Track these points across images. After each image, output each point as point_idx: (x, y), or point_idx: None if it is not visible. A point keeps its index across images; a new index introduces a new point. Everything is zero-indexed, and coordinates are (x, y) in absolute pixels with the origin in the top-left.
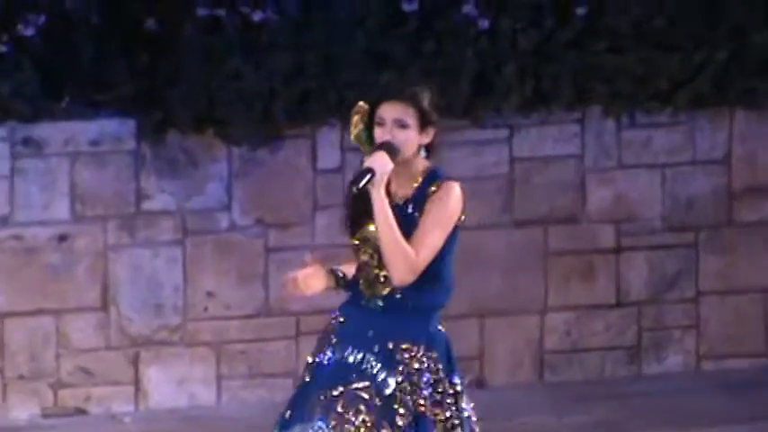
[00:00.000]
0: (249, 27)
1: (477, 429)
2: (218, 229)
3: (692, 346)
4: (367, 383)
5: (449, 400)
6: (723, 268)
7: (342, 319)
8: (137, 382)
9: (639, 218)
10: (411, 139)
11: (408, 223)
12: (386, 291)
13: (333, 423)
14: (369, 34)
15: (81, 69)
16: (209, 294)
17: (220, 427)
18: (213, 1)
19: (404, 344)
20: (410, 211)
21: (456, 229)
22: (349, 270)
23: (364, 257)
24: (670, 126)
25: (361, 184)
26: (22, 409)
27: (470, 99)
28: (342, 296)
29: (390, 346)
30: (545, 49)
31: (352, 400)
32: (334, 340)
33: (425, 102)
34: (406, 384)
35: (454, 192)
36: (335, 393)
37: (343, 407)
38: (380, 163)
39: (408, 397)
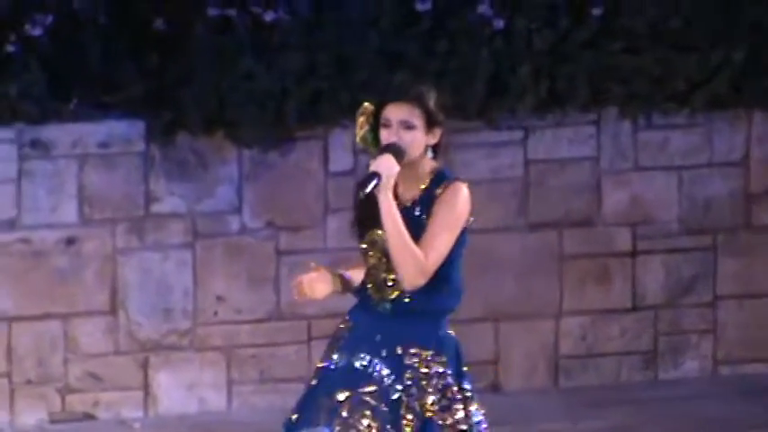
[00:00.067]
0: (260, 27)
1: None
2: (228, 232)
3: (710, 351)
4: (374, 388)
5: (457, 406)
6: (741, 272)
7: (350, 324)
8: (146, 388)
9: (656, 221)
10: (418, 140)
11: (416, 225)
12: (394, 295)
13: (338, 429)
14: (382, 34)
15: (89, 70)
16: (220, 298)
17: None
18: (224, 1)
19: (412, 348)
20: (417, 213)
21: (464, 231)
22: (357, 274)
23: (372, 261)
24: (687, 127)
25: (368, 189)
26: (30, 415)
27: (484, 100)
28: (354, 300)
29: (399, 350)
30: (560, 50)
31: (358, 405)
32: (342, 345)
33: (431, 102)
34: (413, 389)
35: (462, 193)
36: (341, 398)
37: (348, 412)
38: (386, 166)
39: (416, 402)
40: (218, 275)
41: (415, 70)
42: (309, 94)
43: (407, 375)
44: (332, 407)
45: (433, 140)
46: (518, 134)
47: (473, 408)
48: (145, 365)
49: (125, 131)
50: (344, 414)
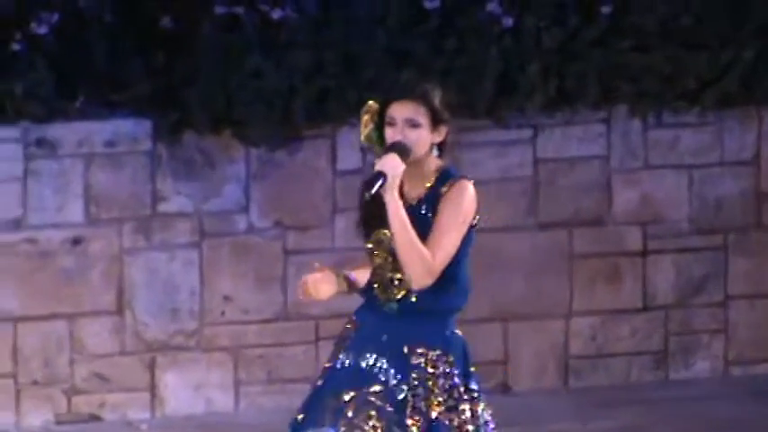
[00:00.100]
0: (268, 25)
1: None
2: (235, 232)
3: (721, 351)
4: (379, 388)
5: (464, 406)
6: (752, 271)
7: (356, 324)
8: (152, 388)
9: (666, 220)
10: (423, 138)
11: (422, 224)
12: (401, 294)
13: (343, 429)
14: (389, 32)
15: (95, 68)
16: (227, 298)
17: None
18: None
19: (419, 348)
20: (423, 211)
21: (471, 229)
22: (363, 275)
23: (378, 261)
24: (697, 126)
25: (374, 190)
26: (36, 416)
27: (493, 99)
28: (361, 300)
29: (405, 350)
30: (570, 48)
31: (363, 405)
32: (349, 345)
33: (436, 100)
34: (420, 389)
35: (467, 191)
36: (346, 398)
37: (353, 412)
38: (392, 165)
39: (422, 402)
40: (226, 275)
41: (423, 68)
42: (317, 93)
43: (414, 375)
44: (337, 407)
45: (438, 138)
46: (527, 133)
47: (480, 408)
48: (151, 366)
49: (131, 130)
50: (350, 414)
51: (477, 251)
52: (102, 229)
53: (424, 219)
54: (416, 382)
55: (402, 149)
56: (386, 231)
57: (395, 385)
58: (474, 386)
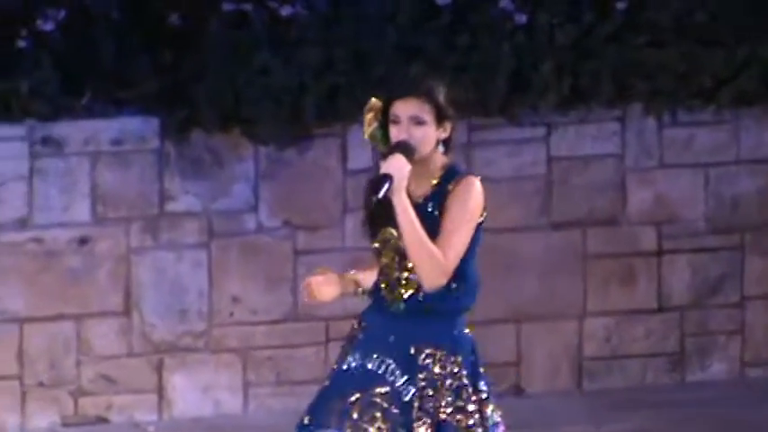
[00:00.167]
0: (277, 22)
1: None
2: (244, 232)
3: (737, 353)
4: (386, 389)
5: (472, 407)
6: None
7: (364, 325)
8: (160, 390)
9: (682, 219)
10: (429, 135)
11: (429, 222)
12: (408, 293)
13: (348, 431)
14: (400, 28)
15: (102, 66)
16: (236, 299)
17: None
18: None
19: (427, 348)
20: (430, 209)
21: (479, 227)
22: (370, 276)
23: (385, 260)
24: (713, 124)
25: (381, 194)
26: (42, 418)
27: (506, 96)
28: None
29: (412, 350)
30: (584, 45)
31: (368, 406)
32: (356, 346)
33: (441, 96)
34: (428, 390)
35: (474, 187)
36: (352, 400)
37: (359, 414)
38: (397, 166)
39: (430, 404)
40: (234, 276)
41: (435, 66)
42: (327, 90)
43: (421, 376)
44: (343, 408)
45: (443, 135)
46: (541, 131)
47: (489, 409)
48: (159, 367)
49: (139, 128)
50: (355, 416)
51: (490, 251)
52: (109, 228)
53: (430, 216)
54: (424, 383)
55: (407, 149)
56: (392, 230)
57: (401, 386)
58: (483, 387)
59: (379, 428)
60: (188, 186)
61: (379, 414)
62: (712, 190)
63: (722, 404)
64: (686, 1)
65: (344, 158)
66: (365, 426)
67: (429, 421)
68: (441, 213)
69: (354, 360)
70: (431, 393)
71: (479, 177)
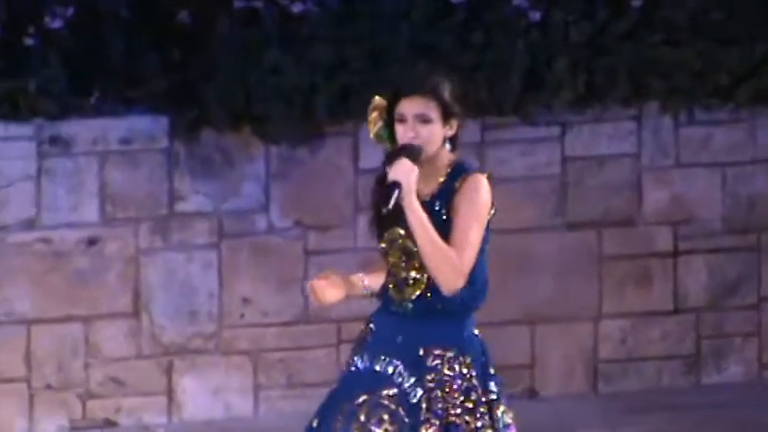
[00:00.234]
0: (288, 19)
1: None
2: (255, 232)
3: (754, 355)
4: (393, 391)
5: (482, 409)
6: None
7: (372, 327)
8: (170, 393)
9: (698, 220)
10: (435, 133)
11: (435, 221)
12: (416, 293)
13: None
14: (414, 26)
15: (111, 64)
16: (246, 300)
17: None
18: None
19: (435, 349)
20: (437, 208)
21: (487, 225)
22: (378, 277)
23: (393, 260)
24: (730, 123)
25: (392, 203)
26: (50, 421)
27: (520, 95)
28: None
29: (421, 351)
30: (598, 42)
31: (375, 408)
32: (364, 347)
33: (446, 93)
34: (436, 392)
35: (481, 185)
36: (359, 402)
37: (366, 416)
38: (404, 171)
39: (438, 405)
40: (245, 277)
41: (449, 63)
42: (339, 89)
43: (429, 377)
44: (350, 410)
45: (450, 132)
46: (555, 130)
47: (500, 411)
48: (169, 370)
49: (148, 127)
50: (362, 418)
51: (504, 252)
52: (117, 229)
53: (437, 215)
54: (432, 385)
55: (412, 152)
56: (399, 230)
57: (409, 388)
58: (493, 388)
59: (386, 430)
60: (198, 186)
61: (386, 416)
62: (729, 190)
63: (739, 407)
64: None
65: (356, 157)
66: (372, 428)
67: (437, 423)
68: (448, 212)
69: (362, 362)
70: (439, 395)
71: (486, 174)
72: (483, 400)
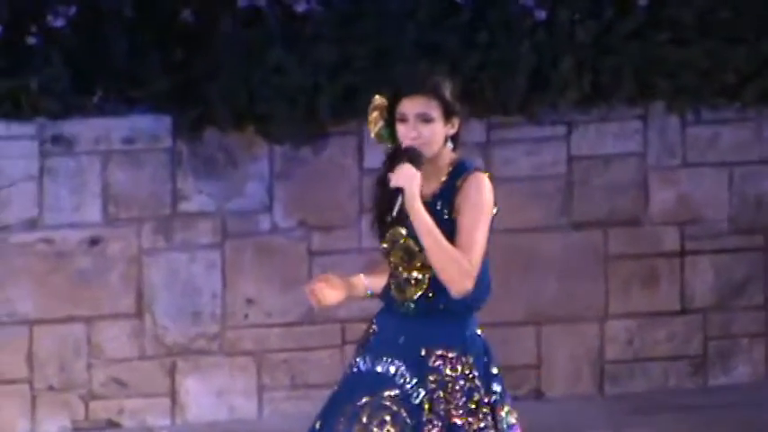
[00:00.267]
0: (292, 18)
1: None
2: (258, 232)
3: (762, 356)
4: (395, 392)
5: (485, 409)
6: None
7: (374, 328)
8: (173, 394)
9: (705, 220)
10: (437, 132)
11: (437, 219)
12: (417, 293)
13: None
14: (419, 26)
15: (113, 63)
16: (250, 301)
17: None
18: None
19: (437, 349)
20: (438, 207)
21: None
22: (380, 278)
23: (394, 260)
24: (737, 122)
25: (396, 211)
26: (52, 423)
27: (526, 94)
28: None
29: (423, 352)
30: (604, 42)
31: (377, 410)
32: (367, 349)
33: (447, 92)
34: (438, 392)
35: (484, 184)
36: (361, 403)
37: (368, 417)
38: (406, 177)
39: (441, 406)
40: (249, 277)
41: (454, 63)
42: (343, 89)
43: (431, 378)
44: (353, 412)
45: (451, 131)
46: (561, 129)
47: (504, 411)
48: (172, 371)
49: (151, 127)
50: (364, 420)
51: (509, 252)
52: (120, 229)
53: (439, 214)
54: (434, 385)
55: (414, 156)
56: (401, 230)
57: (411, 389)
58: (496, 388)
59: None
60: (201, 186)
61: (388, 417)
62: (736, 189)
63: (746, 408)
64: None
65: (361, 157)
66: (374, 429)
67: (440, 424)
68: (450, 211)
69: (364, 363)
70: (441, 396)
71: (488, 173)
72: (486, 400)
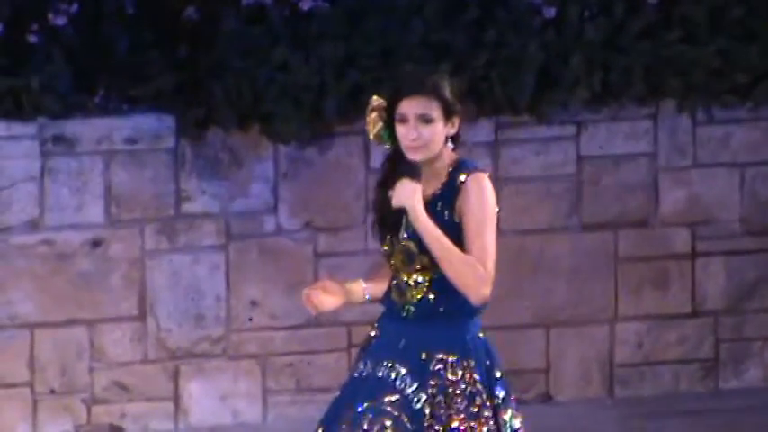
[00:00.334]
0: (297, 16)
1: None
2: (263, 234)
3: None
4: (396, 397)
5: (487, 413)
6: None
7: (376, 332)
8: (176, 398)
9: (716, 221)
10: (438, 133)
11: (438, 220)
12: (418, 296)
13: None
14: (426, 23)
15: (116, 62)
16: (254, 303)
17: None
18: None
19: (438, 353)
20: (439, 208)
21: None
22: (382, 282)
23: (395, 263)
24: (749, 122)
25: (402, 231)
26: (54, 427)
27: (535, 93)
28: None
29: (423, 356)
30: (615, 40)
31: (378, 415)
32: (368, 353)
33: (447, 91)
34: (439, 397)
35: (485, 184)
36: (361, 409)
37: (369, 423)
38: (407, 194)
39: (442, 411)
40: (253, 279)
41: (462, 61)
42: (349, 87)
43: (432, 382)
44: (353, 418)
45: (452, 131)
46: (570, 129)
47: (507, 415)
48: (175, 375)
49: (153, 127)
50: (365, 426)
51: (518, 253)
52: (122, 230)
53: (439, 215)
54: (435, 390)
55: (411, 172)
56: (403, 234)
57: (412, 394)
58: (499, 392)
59: None
60: (205, 186)
61: (389, 422)
62: (748, 190)
63: (758, 412)
64: None
65: (367, 157)
66: None
67: (440, 428)
68: (450, 212)
69: (366, 368)
70: (442, 400)
71: (488, 173)
72: (488, 404)
